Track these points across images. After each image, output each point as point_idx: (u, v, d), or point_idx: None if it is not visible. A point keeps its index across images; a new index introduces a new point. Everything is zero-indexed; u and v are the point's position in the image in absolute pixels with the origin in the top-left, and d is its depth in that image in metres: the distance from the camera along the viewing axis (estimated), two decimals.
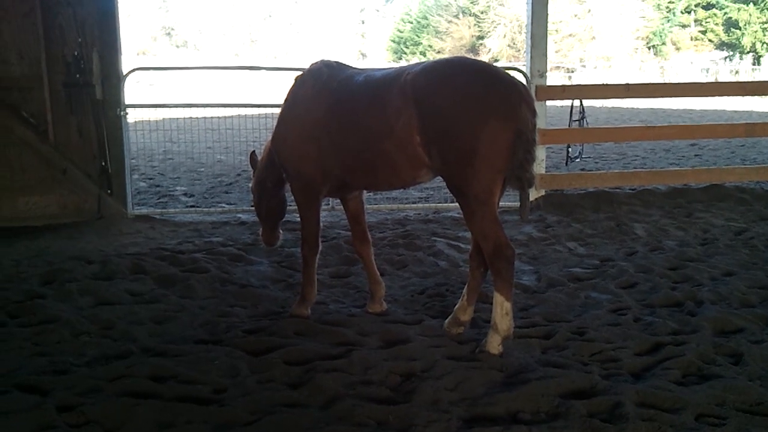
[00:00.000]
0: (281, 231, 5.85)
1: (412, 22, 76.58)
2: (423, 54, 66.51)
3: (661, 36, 61.39)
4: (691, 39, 60.93)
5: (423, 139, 4.17)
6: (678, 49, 60.87)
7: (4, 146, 8.04)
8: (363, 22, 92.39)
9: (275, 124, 5.15)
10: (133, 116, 8.78)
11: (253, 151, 5.83)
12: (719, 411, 3.51)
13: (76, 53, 8.12)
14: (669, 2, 61.57)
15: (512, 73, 6.42)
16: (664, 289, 5.57)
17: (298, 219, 5.22)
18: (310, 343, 4.47)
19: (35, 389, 3.74)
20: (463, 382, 3.86)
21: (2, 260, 6.49)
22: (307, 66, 5.08)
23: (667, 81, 38.08)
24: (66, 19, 8.11)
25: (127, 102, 8.42)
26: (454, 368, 4.02)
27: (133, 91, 8.64)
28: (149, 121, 10.79)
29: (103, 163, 8.31)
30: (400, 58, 69.04)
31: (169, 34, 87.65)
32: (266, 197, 5.55)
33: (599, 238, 7.44)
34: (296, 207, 5.14)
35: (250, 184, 5.82)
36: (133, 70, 8.70)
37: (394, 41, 78.26)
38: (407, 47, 73.88)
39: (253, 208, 5.88)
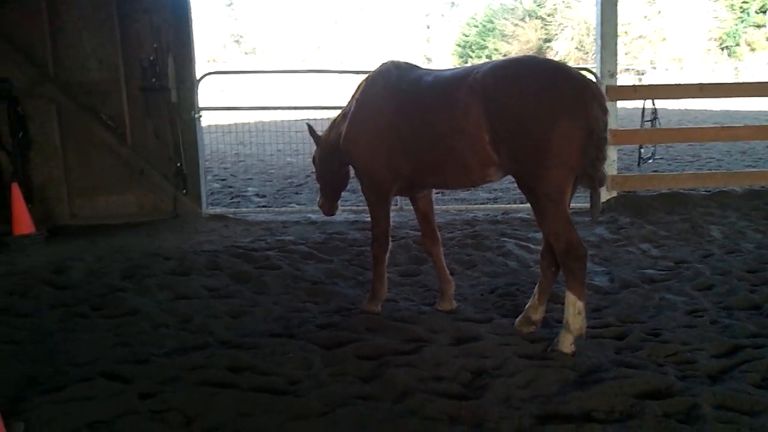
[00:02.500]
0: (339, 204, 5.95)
1: (477, 26, 76.16)
2: (489, 57, 65.90)
3: (734, 37, 59.57)
4: (767, 39, 58.94)
5: (492, 137, 4.18)
6: (753, 50, 58.93)
7: (86, 148, 8.40)
8: (428, 27, 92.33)
9: (344, 123, 5.20)
10: (205, 120, 9.01)
11: (310, 125, 5.90)
12: None
13: (152, 58, 8.39)
14: (743, 2, 59.69)
15: (583, 73, 6.36)
16: (743, 291, 5.42)
17: (368, 218, 5.27)
18: (382, 338, 4.51)
19: (118, 377, 3.89)
20: (535, 379, 3.85)
21: (84, 256, 6.74)
22: (375, 67, 5.13)
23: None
24: (142, 26, 8.41)
25: (200, 105, 8.65)
26: (526, 366, 4.00)
27: (204, 96, 8.87)
28: (221, 125, 11.07)
29: (179, 164, 8.56)
30: (466, 62, 68.65)
31: (237, 41, 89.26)
32: (331, 172, 5.62)
33: (673, 240, 7.28)
34: (366, 206, 5.21)
35: (312, 155, 5.87)
36: (207, 75, 8.93)
37: (459, 45, 77.96)
38: (473, 51, 73.48)
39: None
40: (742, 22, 59.56)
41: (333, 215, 6.05)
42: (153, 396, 3.62)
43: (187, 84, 8.56)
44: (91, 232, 8.02)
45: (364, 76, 5.20)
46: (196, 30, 8.64)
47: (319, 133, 5.77)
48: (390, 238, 5.18)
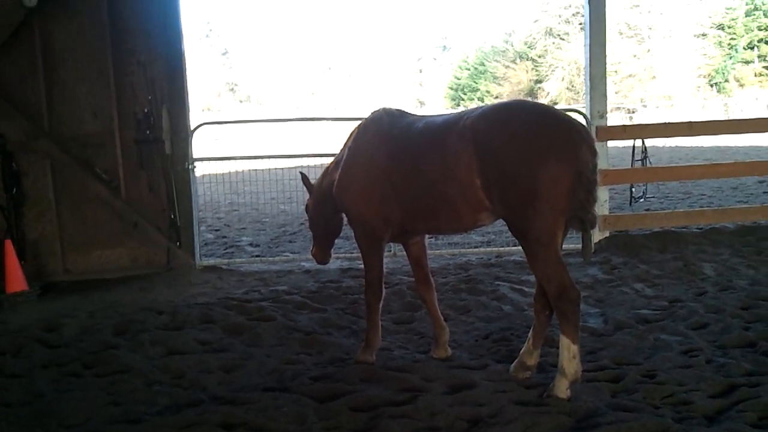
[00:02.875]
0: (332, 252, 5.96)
1: (469, 69, 77.13)
2: (481, 100, 66.76)
3: (723, 73, 60.30)
4: (755, 75, 59.64)
5: (483, 182, 4.21)
6: (742, 85, 59.61)
7: (80, 202, 8.40)
8: (421, 71, 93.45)
9: (336, 170, 5.23)
10: (199, 170, 9.04)
11: (303, 173, 5.92)
12: None
13: (146, 110, 8.45)
14: (731, 39, 60.59)
15: (572, 114, 6.41)
16: (737, 329, 5.41)
17: (362, 266, 5.27)
18: (376, 389, 4.48)
19: None
20: (531, 427, 3.82)
21: (77, 313, 6.70)
22: (367, 114, 5.19)
23: (731, 118, 37.38)
24: (137, 78, 8.47)
25: (194, 156, 8.70)
26: (522, 413, 3.98)
27: (199, 145, 8.92)
28: (215, 174, 11.10)
29: (172, 216, 8.56)
30: (458, 105, 69.37)
31: (232, 89, 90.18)
32: (325, 219, 5.65)
33: (667, 279, 7.28)
34: (359, 253, 5.21)
35: (306, 203, 5.91)
36: (200, 125, 8.98)
37: (451, 88, 78.88)
38: (465, 94, 74.29)
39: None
40: (730, 58, 60.37)
41: (326, 263, 6.06)
42: None
43: (181, 135, 8.59)
44: (85, 287, 7.99)
45: (357, 122, 5.26)
46: (191, 79, 8.71)
47: (313, 181, 5.81)
48: (384, 285, 5.17)
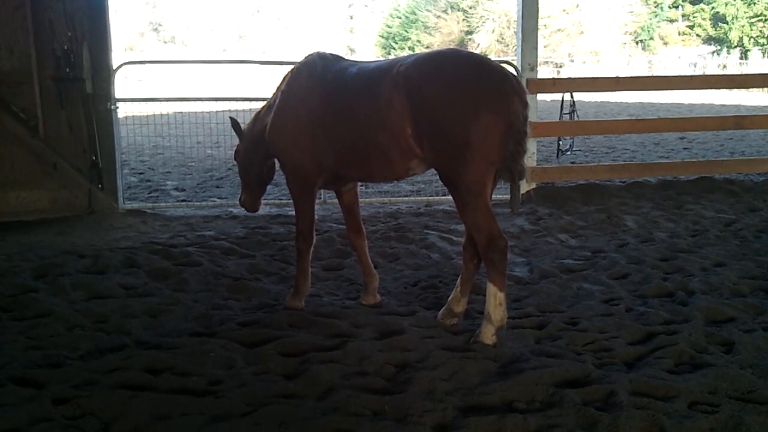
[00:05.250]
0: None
1: (400, 17, 76.54)
2: (411, 49, 66.37)
3: (648, 31, 61.60)
4: (679, 34, 61.15)
5: (415, 130, 4.19)
6: (666, 44, 61.08)
7: None
8: (351, 18, 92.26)
9: (269, 115, 5.11)
10: (122, 111, 8.74)
11: (233, 119, 5.66)
12: (712, 399, 3.55)
13: (65, 47, 8.06)
14: None
15: (503, 66, 6.43)
16: (656, 279, 5.61)
17: (291, 212, 5.21)
18: (305, 334, 4.48)
19: (30, 382, 3.74)
20: (457, 372, 3.88)
21: None
22: (299, 59, 5.07)
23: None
24: (56, 13, 8.04)
25: (117, 96, 8.39)
26: (449, 359, 4.04)
27: (121, 86, 8.60)
28: (139, 116, 10.75)
29: (94, 158, 8.26)
30: (389, 54, 68.91)
31: (156, 29, 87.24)
32: (256, 166, 5.52)
33: (590, 230, 7.47)
34: (289, 200, 5.14)
35: (234, 150, 5.74)
36: (124, 64, 8.66)
37: (382, 36, 78.21)
38: (396, 42, 73.84)
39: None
40: (656, 16, 61.63)
41: (256, 211, 5.96)
42: (67, 401, 3.48)
43: (103, 74, 8.25)
44: (2, 229, 7.67)
45: (287, 67, 5.15)
46: (113, 18, 8.34)
47: (242, 126, 5.65)
48: (314, 233, 5.14)
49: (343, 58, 4.95)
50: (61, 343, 4.37)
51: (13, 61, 8.01)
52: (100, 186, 8.36)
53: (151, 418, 3.37)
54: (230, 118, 5.70)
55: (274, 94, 5.16)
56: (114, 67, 8.35)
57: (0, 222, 7.88)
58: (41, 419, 3.32)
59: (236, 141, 5.71)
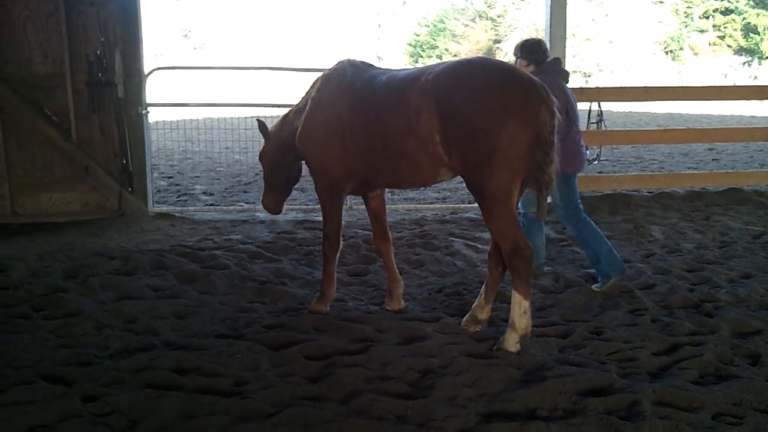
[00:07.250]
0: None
1: (428, 26, 76.52)
2: (440, 57, 66.31)
3: (678, 41, 61.01)
4: (709, 44, 60.48)
5: (443, 138, 4.21)
6: (696, 54, 60.45)
7: (29, 143, 8.19)
8: (379, 26, 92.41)
9: (298, 119, 5.15)
10: (153, 116, 8.87)
11: (260, 120, 5.66)
12: (736, 410, 3.54)
13: (98, 52, 8.22)
14: (687, 7, 61.18)
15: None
16: (682, 290, 5.58)
17: (317, 217, 5.26)
18: (329, 338, 4.52)
19: (60, 380, 3.82)
20: (480, 378, 3.90)
21: (26, 255, 6.58)
22: (327, 66, 5.12)
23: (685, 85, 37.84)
24: (89, 19, 8.21)
25: (148, 101, 8.52)
26: (472, 365, 4.06)
27: (152, 91, 8.73)
28: (169, 121, 10.90)
29: (125, 161, 8.40)
30: (417, 62, 68.96)
31: (186, 36, 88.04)
32: (283, 168, 5.56)
33: (616, 240, 7.42)
34: (316, 205, 5.18)
35: (261, 151, 5.71)
36: (155, 70, 8.79)
37: (410, 45, 78.22)
38: (423, 50, 73.82)
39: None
40: (685, 26, 61.05)
41: (279, 213, 5.99)
42: (96, 399, 3.56)
43: (135, 79, 8.39)
44: (33, 230, 7.83)
45: (316, 74, 5.18)
46: (144, 24, 8.48)
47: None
48: (341, 238, 5.18)
49: (373, 66, 4.99)
50: (91, 343, 4.46)
51: (47, 66, 8.19)
52: (130, 189, 8.49)
53: (177, 417, 3.43)
54: (257, 119, 5.74)
55: (303, 98, 5.22)
56: (145, 73, 8.48)
57: (32, 223, 8.05)
58: (70, 416, 3.39)
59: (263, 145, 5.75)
